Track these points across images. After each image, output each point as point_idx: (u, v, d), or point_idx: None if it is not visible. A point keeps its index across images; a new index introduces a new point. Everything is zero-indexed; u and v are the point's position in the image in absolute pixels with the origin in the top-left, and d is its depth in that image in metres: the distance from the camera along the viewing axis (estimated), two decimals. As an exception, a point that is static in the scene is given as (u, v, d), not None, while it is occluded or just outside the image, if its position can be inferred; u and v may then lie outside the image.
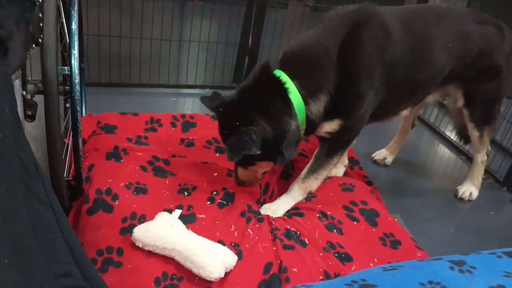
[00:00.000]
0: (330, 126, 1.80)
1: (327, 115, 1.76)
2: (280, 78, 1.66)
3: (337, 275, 1.53)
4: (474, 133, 2.24)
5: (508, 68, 2.12)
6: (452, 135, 2.85)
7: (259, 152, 1.63)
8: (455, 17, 2.03)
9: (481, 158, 2.34)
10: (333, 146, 1.87)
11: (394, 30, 1.81)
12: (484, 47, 2.01)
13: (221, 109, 1.74)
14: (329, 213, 1.81)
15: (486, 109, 2.17)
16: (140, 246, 1.48)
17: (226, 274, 1.44)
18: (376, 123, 2.08)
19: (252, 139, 1.58)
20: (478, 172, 2.38)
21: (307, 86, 1.69)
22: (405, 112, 2.06)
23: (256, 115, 1.62)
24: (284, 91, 1.65)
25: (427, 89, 2.02)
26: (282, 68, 1.71)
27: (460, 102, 2.16)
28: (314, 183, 1.91)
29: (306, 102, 1.70)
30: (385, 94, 1.85)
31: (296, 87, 1.67)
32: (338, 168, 2.22)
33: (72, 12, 1.48)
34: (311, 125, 1.77)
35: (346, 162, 2.26)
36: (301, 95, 1.68)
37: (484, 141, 2.26)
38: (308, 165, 1.91)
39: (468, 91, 2.12)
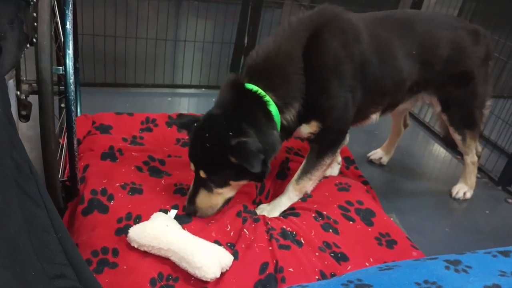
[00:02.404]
0: (310, 128, 1.79)
1: (304, 118, 1.76)
2: (259, 93, 1.64)
3: (333, 275, 1.53)
4: (456, 136, 2.25)
5: (483, 73, 2.11)
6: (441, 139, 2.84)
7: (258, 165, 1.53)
8: (422, 24, 2.00)
9: (470, 159, 2.34)
10: (321, 148, 1.87)
11: (359, 28, 1.81)
12: (453, 53, 2.00)
13: (197, 125, 1.68)
14: (325, 213, 1.81)
15: (463, 114, 2.17)
16: (136, 246, 1.48)
17: (222, 274, 1.43)
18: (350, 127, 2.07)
19: (253, 149, 1.52)
20: (470, 173, 2.38)
21: (283, 96, 1.68)
22: (375, 117, 2.04)
23: (247, 127, 1.58)
24: (264, 105, 1.64)
25: (395, 94, 2.00)
26: (251, 81, 1.67)
27: (437, 108, 2.17)
28: (308, 184, 1.91)
29: (281, 112, 1.69)
30: (360, 96, 1.84)
31: (272, 98, 1.66)
32: (333, 167, 2.22)
33: (67, 12, 1.47)
34: (285, 132, 1.76)
35: (340, 160, 2.26)
36: (278, 106, 1.67)
37: (468, 144, 2.26)
38: (301, 166, 1.91)
39: (442, 97, 2.11)
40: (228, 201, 1.75)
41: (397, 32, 1.92)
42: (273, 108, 1.66)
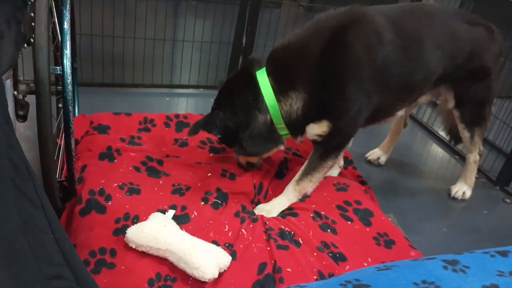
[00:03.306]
0: (320, 128, 1.78)
1: (314, 117, 1.77)
2: (255, 74, 1.75)
3: (331, 275, 1.53)
4: (465, 134, 2.25)
5: (496, 69, 2.13)
6: (445, 135, 2.86)
7: (219, 136, 1.83)
8: (446, 17, 2.03)
9: (473, 158, 2.34)
10: (326, 150, 1.86)
11: (385, 31, 1.80)
12: (474, 48, 2.01)
13: None
14: (323, 213, 1.81)
15: (476, 110, 2.17)
16: (134, 247, 1.47)
17: (220, 274, 1.43)
18: (373, 125, 2.08)
19: (215, 123, 1.75)
20: (471, 172, 2.39)
21: (280, 83, 1.73)
22: (400, 113, 2.06)
23: (226, 103, 1.77)
24: (254, 85, 1.73)
25: (421, 89, 2.02)
26: (266, 65, 1.78)
27: (451, 103, 2.17)
28: (308, 186, 1.90)
29: (278, 99, 1.73)
30: (381, 96, 1.85)
31: (270, 83, 1.73)
32: (333, 169, 2.21)
33: (64, 12, 1.47)
34: (289, 122, 1.78)
35: (342, 163, 2.26)
36: (274, 91, 1.72)
37: (475, 142, 2.27)
38: (302, 167, 1.90)
39: (459, 92, 2.12)
40: (253, 165, 2.01)
41: (425, 25, 1.93)
42: (265, 91, 1.73)
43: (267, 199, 1.98)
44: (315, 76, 1.71)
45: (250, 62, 1.80)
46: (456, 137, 2.47)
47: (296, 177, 1.91)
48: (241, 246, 1.56)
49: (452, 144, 2.80)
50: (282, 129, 1.81)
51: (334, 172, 2.22)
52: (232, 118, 1.75)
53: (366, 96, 1.78)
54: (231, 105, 1.75)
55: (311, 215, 1.80)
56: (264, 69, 1.77)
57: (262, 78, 1.74)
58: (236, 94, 1.76)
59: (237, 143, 1.81)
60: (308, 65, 1.72)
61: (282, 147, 1.89)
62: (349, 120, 1.80)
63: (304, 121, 1.79)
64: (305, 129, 1.81)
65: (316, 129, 1.79)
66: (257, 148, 1.83)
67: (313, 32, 1.78)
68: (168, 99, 3.01)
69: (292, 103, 1.74)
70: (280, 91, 1.73)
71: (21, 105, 1.48)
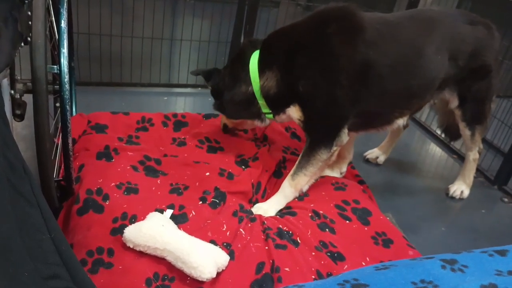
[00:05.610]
0: (296, 112, 1.87)
1: (291, 99, 1.87)
2: (245, 51, 1.97)
3: (329, 275, 1.53)
4: (466, 132, 2.26)
5: (496, 66, 2.15)
6: (440, 132, 2.86)
7: (211, 87, 2.09)
8: (448, 20, 2.03)
9: (472, 156, 2.35)
10: (313, 140, 1.88)
11: (373, 32, 1.82)
12: (476, 47, 2.03)
13: None
14: (321, 212, 1.80)
15: (477, 108, 2.18)
16: (131, 246, 1.47)
17: (218, 274, 1.43)
18: (369, 132, 2.08)
19: (215, 77, 2.04)
20: (470, 171, 2.39)
21: (262, 61, 1.90)
22: (401, 121, 2.05)
23: (228, 69, 2.04)
24: (245, 61, 1.94)
25: (423, 96, 2.01)
26: (261, 46, 1.96)
27: (454, 103, 2.17)
28: (303, 180, 1.90)
29: (259, 75, 1.90)
30: (370, 97, 1.85)
31: (258, 61, 1.90)
32: (334, 172, 2.21)
33: (62, 10, 1.46)
34: (270, 102, 1.92)
35: (344, 170, 2.24)
36: (258, 68, 1.90)
37: (476, 140, 2.28)
38: (296, 162, 1.91)
39: (462, 91, 2.12)
40: (226, 127, 2.23)
41: (426, 30, 1.94)
42: (252, 67, 1.91)
43: (265, 198, 1.98)
44: (289, 59, 1.83)
45: (249, 42, 2.01)
46: (452, 135, 2.47)
47: (291, 172, 1.91)
48: (239, 245, 1.55)
49: (449, 142, 2.82)
50: (265, 107, 1.94)
51: (334, 175, 2.21)
52: (225, 80, 2.01)
53: (340, 89, 1.79)
54: (229, 71, 2.01)
55: (309, 214, 1.80)
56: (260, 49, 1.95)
57: (255, 56, 1.92)
58: (233, 65, 2.03)
59: (220, 100, 2.06)
60: (286, 49, 1.85)
61: (260, 123, 2.05)
62: (320, 108, 1.83)
63: (281, 101, 1.90)
64: (286, 111, 1.91)
65: (294, 113, 1.89)
66: (233, 112, 2.08)
67: (303, 21, 1.89)
68: (166, 98, 3.00)
69: (267, 80, 1.88)
70: (261, 68, 1.89)
71: (18, 104, 1.47)
